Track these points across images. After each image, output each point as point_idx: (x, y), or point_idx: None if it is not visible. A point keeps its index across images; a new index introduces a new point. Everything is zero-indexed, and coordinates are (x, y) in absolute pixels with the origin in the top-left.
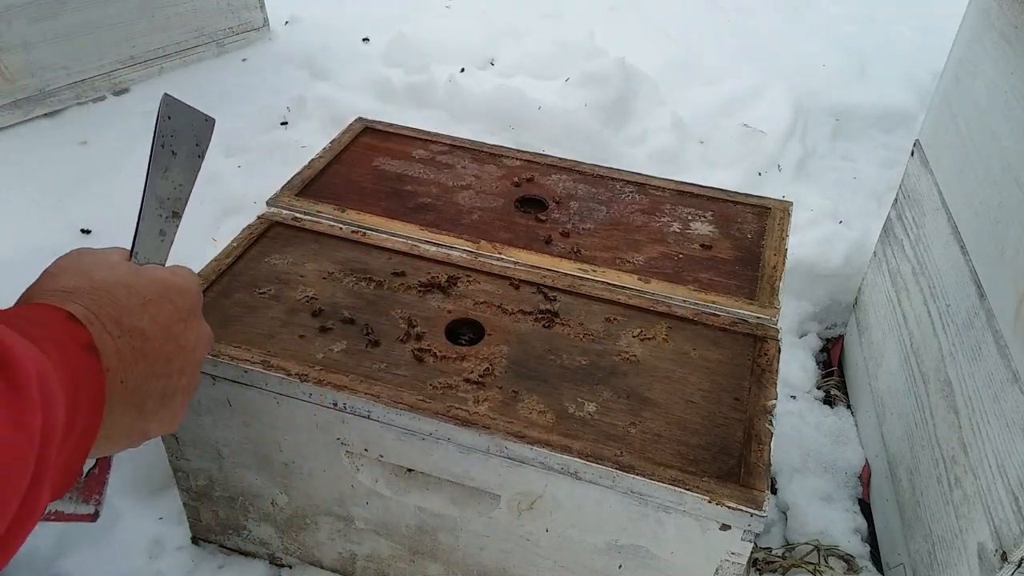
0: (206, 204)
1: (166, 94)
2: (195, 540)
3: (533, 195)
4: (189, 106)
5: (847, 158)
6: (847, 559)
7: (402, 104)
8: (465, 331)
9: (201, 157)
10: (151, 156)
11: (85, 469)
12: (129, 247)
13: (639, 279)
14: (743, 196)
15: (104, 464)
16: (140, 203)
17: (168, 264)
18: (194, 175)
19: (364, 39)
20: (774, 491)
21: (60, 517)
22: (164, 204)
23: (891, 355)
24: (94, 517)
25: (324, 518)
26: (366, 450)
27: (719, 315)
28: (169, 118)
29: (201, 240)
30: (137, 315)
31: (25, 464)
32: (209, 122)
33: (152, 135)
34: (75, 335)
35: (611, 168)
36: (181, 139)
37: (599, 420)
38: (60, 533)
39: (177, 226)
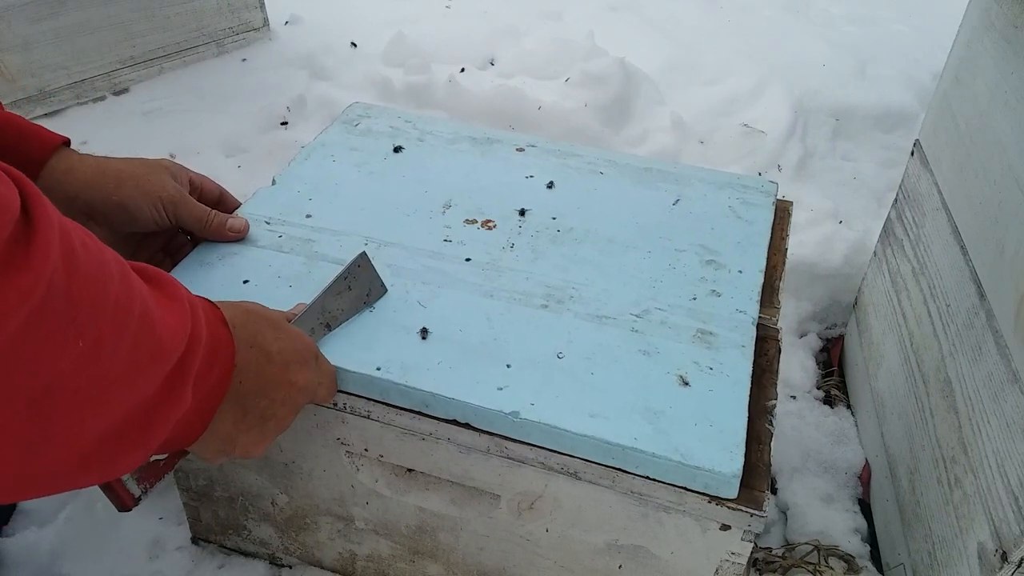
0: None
1: (364, 253)
2: (195, 540)
3: None
4: (375, 271)
5: (847, 158)
6: (847, 559)
7: (402, 104)
8: None
9: (365, 305)
10: (334, 279)
11: (152, 458)
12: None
13: None
14: None
15: (170, 462)
16: (309, 302)
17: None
18: (352, 314)
19: (352, 44)
20: (774, 491)
21: (109, 482)
22: (324, 314)
23: (891, 355)
24: (133, 502)
25: (324, 518)
26: (366, 450)
27: None
28: (359, 266)
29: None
30: (269, 341)
31: (176, 340)
32: (383, 289)
33: (344, 267)
34: (218, 314)
35: None
36: (358, 284)
37: None
38: (60, 533)
39: (323, 335)
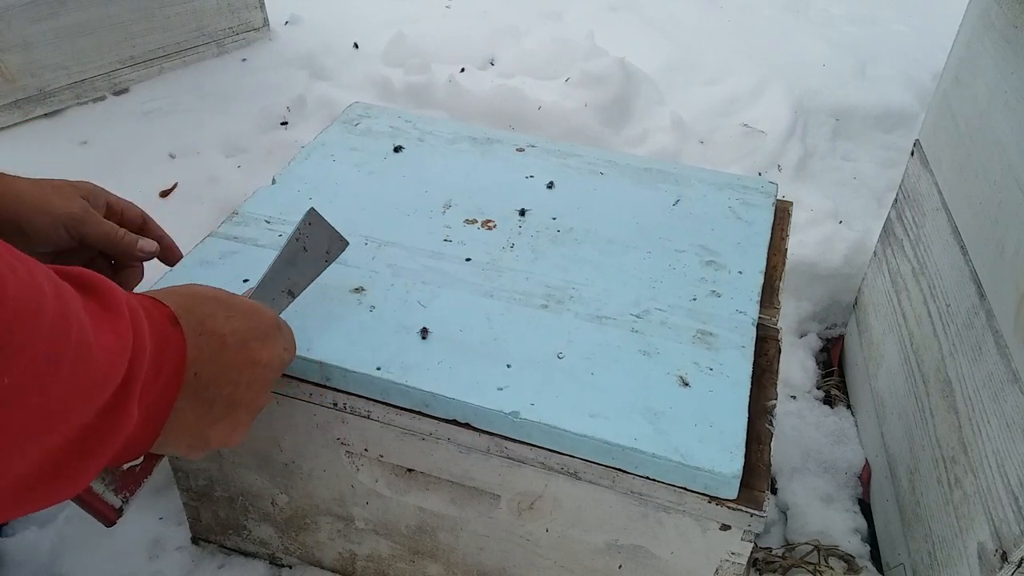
0: (205, 204)
1: (312, 209)
2: (195, 540)
3: None
4: (328, 224)
5: (847, 158)
6: (847, 559)
7: (402, 104)
8: None
9: (328, 263)
10: (286, 243)
11: (127, 466)
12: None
13: None
14: None
15: (147, 465)
16: (263, 272)
17: None
18: (316, 274)
19: (354, 44)
20: (774, 491)
21: (84, 498)
22: (284, 281)
23: (891, 355)
24: (115, 514)
25: (324, 518)
26: (366, 450)
27: None
28: (310, 224)
29: (201, 240)
30: (221, 322)
31: (117, 363)
32: (343, 242)
33: (294, 228)
34: (163, 311)
35: None
36: (313, 243)
37: None
38: (60, 533)
39: (289, 304)
